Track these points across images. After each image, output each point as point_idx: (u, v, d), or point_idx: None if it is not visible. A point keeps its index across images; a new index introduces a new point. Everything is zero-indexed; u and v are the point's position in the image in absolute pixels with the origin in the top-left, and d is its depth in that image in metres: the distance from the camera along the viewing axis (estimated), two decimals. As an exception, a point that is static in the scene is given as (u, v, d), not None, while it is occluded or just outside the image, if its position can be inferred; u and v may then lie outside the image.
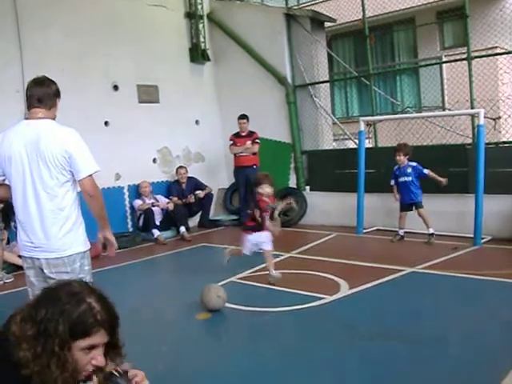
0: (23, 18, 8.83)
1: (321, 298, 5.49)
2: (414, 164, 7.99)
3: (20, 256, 7.45)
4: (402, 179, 8.03)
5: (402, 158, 8.02)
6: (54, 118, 3.70)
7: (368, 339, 4.38)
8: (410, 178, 7.94)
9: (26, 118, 3.73)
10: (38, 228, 3.59)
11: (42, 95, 3.65)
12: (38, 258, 3.61)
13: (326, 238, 8.63)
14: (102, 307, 1.66)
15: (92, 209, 3.68)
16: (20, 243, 3.74)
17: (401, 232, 8.08)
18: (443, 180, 7.75)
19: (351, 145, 10.48)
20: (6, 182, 3.75)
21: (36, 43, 8.93)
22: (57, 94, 3.74)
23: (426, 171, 7.88)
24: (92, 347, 1.63)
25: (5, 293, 6.71)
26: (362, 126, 9.05)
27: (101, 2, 9.77)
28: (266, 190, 6.27)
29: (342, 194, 9.43)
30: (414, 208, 8.00)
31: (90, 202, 3.65)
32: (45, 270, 3.60)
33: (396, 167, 8.15)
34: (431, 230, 7.77)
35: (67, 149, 3.53)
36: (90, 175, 3.60)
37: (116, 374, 1.71)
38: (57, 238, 3.59)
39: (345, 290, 5.76)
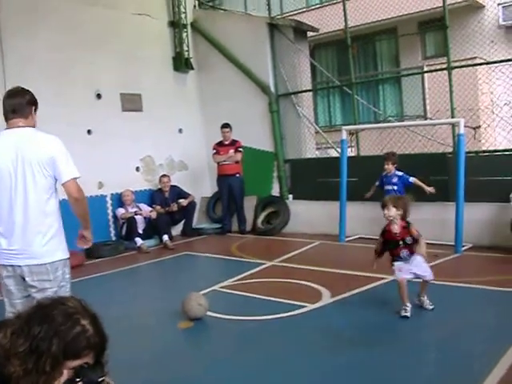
0: (6, 27, 8.79)
1: (303, 307, 5.51)
2: (401, 174, 8.11)
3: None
4: (387, 187, 8.10)
5: (390, 167, 8.16)
6: (34, 126, 3.79)
7: (351, 347, 4.41)
8: (396, 188, 8.01)
9: (6, 129, 3.76)
10: (21, 235, 3.62)
11: (16, 105, 3.73)
12: (20, 266, 3.61)
13: (309, 247, 8.66)
14: (95, 330, 1.67)
15: (76, 211, 3.76)
16: (4, 250, 3.67)
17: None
18: (430, 189, 7.91)
19: (334, 153, 10.54)
20: None
21: (19, 52, 8.89)
22: (31, 102, 3.81)
23: (411, 179, 8.00)
24: (80, 367, 1.65)
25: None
26: (344, 135, 9.11)
27: (85, 10, 9.76)
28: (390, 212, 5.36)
29: (325, 203, 9.48)
30: None
31: (75, 204, 3.73)
32: (27, 278, 3.61)
33: (383, 174, 8.27)
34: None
35: (51, 154, 3.62)
36: (74, 178, 3.69)
37: None
38: (40, 245, 3.62)
39: (327, 298, 5.79)
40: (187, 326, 5.23)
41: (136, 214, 9.57)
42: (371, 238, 8.41)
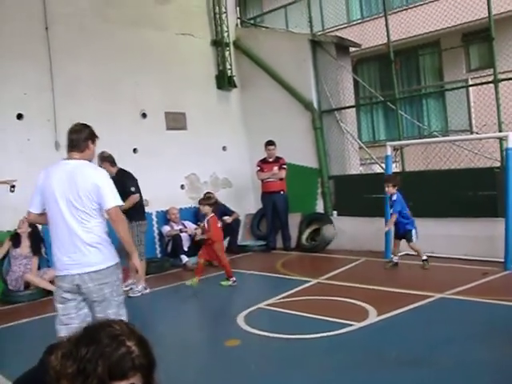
0: (55, 48, 9.08)
1: (349, 325, 5.47)
2: (394, 198, 8.03)
3: (51, 281, 7.67)
4: (391, 210, 8.11)
5: (390, 190, 8.03)
6: (89, 158, 4.39)
7: (397, 367, 4.35)
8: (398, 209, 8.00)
9: (65, 159, 4.35)
10: (76, 247, 4.11)
11: (74, 141, 4.34)
12: (79, 274, 4.09)
13: (354, 264, 8.60)
14: (141, 352, 1.70)
15: (118, 233, 4.32)
16: (58, 264, 4.19)
17: (395, 259, 8.17)
18: (388, 226, 8.21)
19: (378, 169, 10.47)
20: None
21: (67, 72, 9.17)
22: (89, 137, 4.39)
23: (391, 210, 8.07)
24: None
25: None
26: (389, 151, 9.05)
27: (130, 31, 10.01)
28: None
29: (370, 219, 9.40)
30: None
31: (115, 227, 4.28)
32: (88, 284, 4.09)
33: (388, 196, 8.25)
34: (424, 257, 7.95)
35: (97, 184, 4.16)
36: (115, 206, 4.23)
37: None
38: (94, 255, 4.14)
39: (373, 316, 5.73)
40: (234, 344, 5.25)
41: (181, 232, 9.68)
42: (417, 255, 8.34)
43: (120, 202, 4.32)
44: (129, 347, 1.68)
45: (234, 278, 7.86)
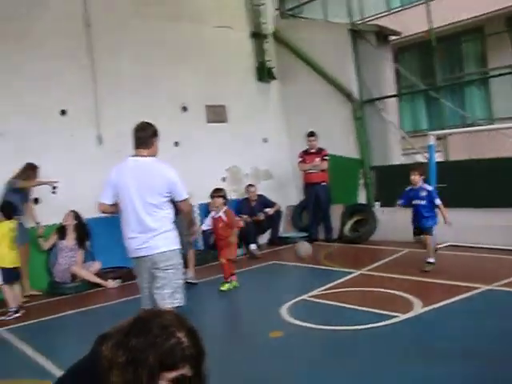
0: (96, 45, 9.23)
1: (394, 317, 5.43)
2: (430, 188, 7.55)
3: (96, 274, 7.85)
4: (415, 201, 7.51)
5: (416, 178, 7.52)
6: (154, 154, 4.86)
7: (444, 359, 4.30)
8: (424, 202, 7.43)
9: (134, 156, 4.85)
10: (149, 234, 4.70)
11: (142, 138, 4.81)
12: (150, 255, 4.71)
13: (398, 255, 8.53)
14: (191, 342, 1.72)
15: (186, 218, 5.54)
16: (131, 247, 4.83)
17: (430, 260, 7.44)
18: (449, 220, 7.35)
19: (421, 159, 10.32)
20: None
21: (108, 68, 9.32)
22: (153, 135, 4.86)
23: (437, 201, 7.38)
24: (177, 379, 1.70)
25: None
26: (432, 140, 8.93)
27: (168, 26, 10.09)
28: None
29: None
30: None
31: (185, 215, 5.41)
32: (156, 264, 4.70)
33: (409, 188, 7.64)
34: (430, 260, 7.41)
35: (169, 180, 4.74)
36: (185, 198, 4.86)
37: None
38: (161, 239, 4.73)
39: (418, 308, 5.68)
40: (278, 335, 5.27)
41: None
42: (462, 246, 8.22)
43: (187, 196, 4.88)
44: (179, 338, 1.70)
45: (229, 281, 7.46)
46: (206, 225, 7.63)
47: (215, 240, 7.80)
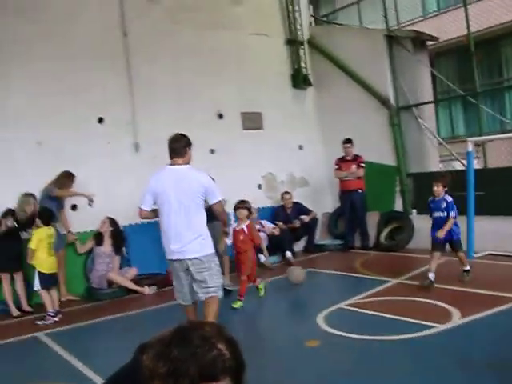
0: (133, 53, 9.35)
1: (431, 327, 5.34)
2: (450, 199, 7.08)
3: (132, 280, 7.91)
4: (436, 214, 7.16)
5: (439, 190, 7.14)
6: (188, 162, 5.37)
7: (483, 372, 4.20)
8: (445, 214, 7.03)
9: (170, 165, 5.36)
10: (183, 238, 5.21)
11: (177, 149, 5.32)
12: (184, 259, 5.23)
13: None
14: (232, 354, 1.71)
15: (220, 219, 5.72)
16: (169, 250, 5.33)
17: (431, 276, 6.99)
18: (443, 235, 6.96)
19: (458, 166, 10.17)
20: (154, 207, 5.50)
21: (145, 76, 9.42)
22: (186, 145, 5.37)
23: (452, 214, 6.96)
24: None
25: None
26: (470, 147, 8.78)
27: (204, 33, 10.15)
28: None
29: (451, 217, 9.15)
30: (449, 248, 7.25)
31: (219, 216, 5.61)
32: (190, 268, 5.23)
33: (430, 199, 7.31)
34: (466, 268, 7.24)
35: (203, 184, 5.28)
36: (219, 201, 5.39)
37: None
38: (196, 244, 5.22)
39: (457, 318, 5.57)
40: (315, 345, 5.23)
41: (259, 231, 9.71)
42: (502, 255, 8.04)
43: (220, 198, 5.41)
44: (220, 350, 1.69)
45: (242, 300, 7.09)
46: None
47: (234, 253, 7.49)
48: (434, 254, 7.12)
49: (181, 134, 5.46)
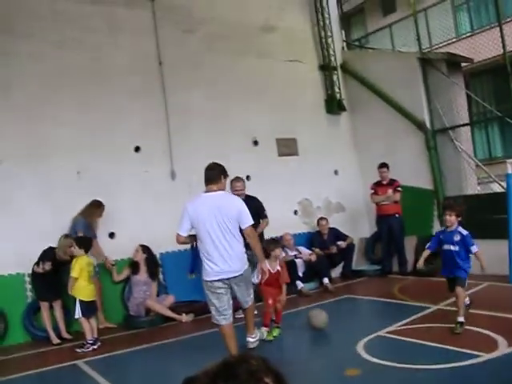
0: (168, 82, 9.49)
1: (477, 356, 5.18)
2: (465, 232, 6.25)
3: (170, 308, 7.91)
4: (446, 247, 6.32)
5: (452, 219, 6.30)
6: (223, 188, 5.78)
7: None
8: (457, 248, 6.22)
9: (205, 192, 5.72)
10: (225, 259, 5.59)
11: (211, 176, 5.72)
12: (228, 278, 5.64)
13: (477, 289, 8.20)
14: None
15: (251, 246, 5.82)
16: (210, 271, 5.64)
17: (460, 319, 6.16)
18: (485, 267, 6.12)
19: (497, 188, 10.00)
20: (192, 232, 5.82)
21: (180, 104, 9.53)
22: (220, 173, 5.76)
23: (474, 249, 6.17)
24: None
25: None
26: (510, 169, 8.62)
27: (238, 61, 10.30)
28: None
29: (491, 241, 8.90)
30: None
31: (250, 241, 5.76)
32: (232, 283, 5.68)
33: (441, 230, 6.67)
34: (460, 319, 6.14)
35: (237, 210, 5.61)
36: (250, 225, 5.66)
37: None
38: (236, 264, 5.65)
39: (504, 347, 5.40)
40: (355, 374, 5.14)
41: (296, 258, 9.67)
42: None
43: (251, 222, 5.69)
44: (267, 383, 1.67)
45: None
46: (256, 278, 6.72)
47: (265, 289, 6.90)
48: (453, 294, 6.34)
49: (215, 163, 5.85)
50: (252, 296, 6.02)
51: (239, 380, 1.67)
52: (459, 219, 6.32)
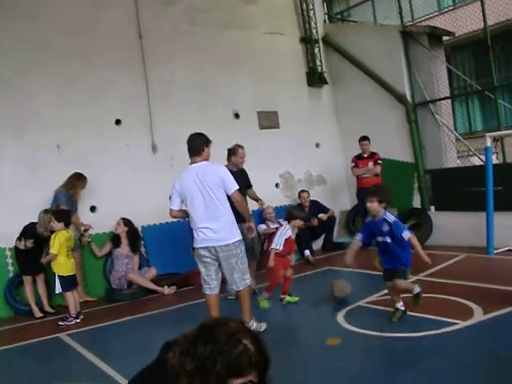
0: (148, 55, 9.40)
1: (454, 324, 5.30)
2: (392, 219, 5.56)
3: (152, 280, 7.93)
4: (380, 239, 5.66)
5: (374, 206, 5.60)
6: (207, 159, 5.73)
7: (509, 369, 4.12)
8: (386, 239, 5.57)
9: (191, 163, 5.72)
10: (213, 228, 5.56)
11: (192, 147, 5.72)
12: (214, 246, 5.58)
13: (455, 260, 8.35)
14: (257, 349, 1.73)
15: (239, 210, 5.82)
16: (198, 239, 5.66)
17: (399, 305, 5.74)
18: (427, 260, 5.53)
19: (477, 161, 10.10)
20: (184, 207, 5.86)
21: (161, 77, 9.48)
22: (203, 143, 5.71)
23: (406, 234, 5.48)
24: None
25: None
26: (489, 142, 8.71)
27: (219, 34, 10.22)
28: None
29: (470, 213, 9.10)
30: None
31: (238, 205, 5.76)
32: (220, 254, 5.59)
33: (369, 220, 5.86)
34: (399, 305, 5.72)
35: (221, 176, 5.60)
36: (236, 190, 5.63)
37: None
38: (223, 233, 5.58)
39: (479, 315, 5.53)
40: (336, 343, 5.22)
41: (277, 230, 9.70)
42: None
43: (237, 187, 5.64)
44: (245, 345, 1.72)
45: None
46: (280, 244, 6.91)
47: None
48: (388, 285, 5.85)
49: (197, 133, 5.80)
50: (247, 281, 5.76)
51: (218, 342, 1.71)
52: (383, 205, 5.60)
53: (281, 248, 6.86)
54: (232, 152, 7.74)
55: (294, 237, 7.20)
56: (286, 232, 7.00)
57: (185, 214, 5.94)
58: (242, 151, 7.82)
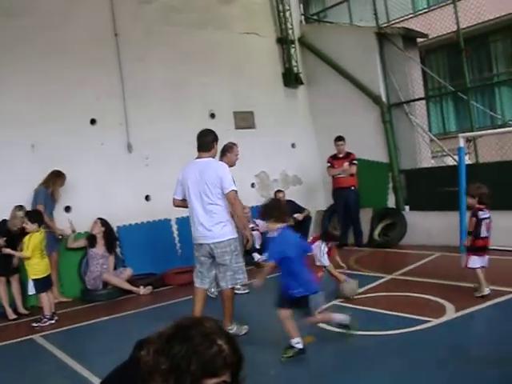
0: (124, 54, 9.37)
1: (426, 321, 5.39)
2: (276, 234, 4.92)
3: (128, 281, 7.88)
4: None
5: (270, 226, 4.94)
6: (214, 156, 5.84)
7: (481, 366, 4.21)
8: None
9: (197, 158, 5.79)
10: (206, 225, 5.61)
11: (203, 143, 5.78)
12: (208, 243, 5.63)
13: (429, 259, 8.46)
14: (231, 350, 1.74)
15: (234, 211, 5.74)
16: (194, 235, 5.76)
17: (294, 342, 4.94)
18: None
19: (451, 161, 10.22)
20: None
21: (136, 76, 9.44)
22: (213, 140, 5.81)
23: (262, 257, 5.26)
24: None
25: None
26: (462, 143, 8.80)
27: (195, 33, 10.19)
28: None
29: (443, 213, 9.20)
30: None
31: (232, 207, 5.70)
32: (214, 250, 5.62)
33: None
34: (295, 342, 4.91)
35: (219, 175, 5.59)
36: (232, 190, 5.59)
37: None
38: (216, 230, 5.59)
39: (451, 312, 5.62)
40: (310, 341, 5.24)
41: (253, 230, 9.72)
42: (494, 249, 8.06)
43: (234, 188, 5.63)
44: (220, 345, 1.73)
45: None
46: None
47: None
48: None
49: (208, 130, 5.89)
50: (239, 280, 5.79)
51: (193, 342, 1.71)
52: (282, 224, 4.87)
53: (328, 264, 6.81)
54: (227, 149, 7.50)
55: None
56: (324, 250, 6.86)
57: (187, 204, 5.92)
58: (237, 149, 7.70)
